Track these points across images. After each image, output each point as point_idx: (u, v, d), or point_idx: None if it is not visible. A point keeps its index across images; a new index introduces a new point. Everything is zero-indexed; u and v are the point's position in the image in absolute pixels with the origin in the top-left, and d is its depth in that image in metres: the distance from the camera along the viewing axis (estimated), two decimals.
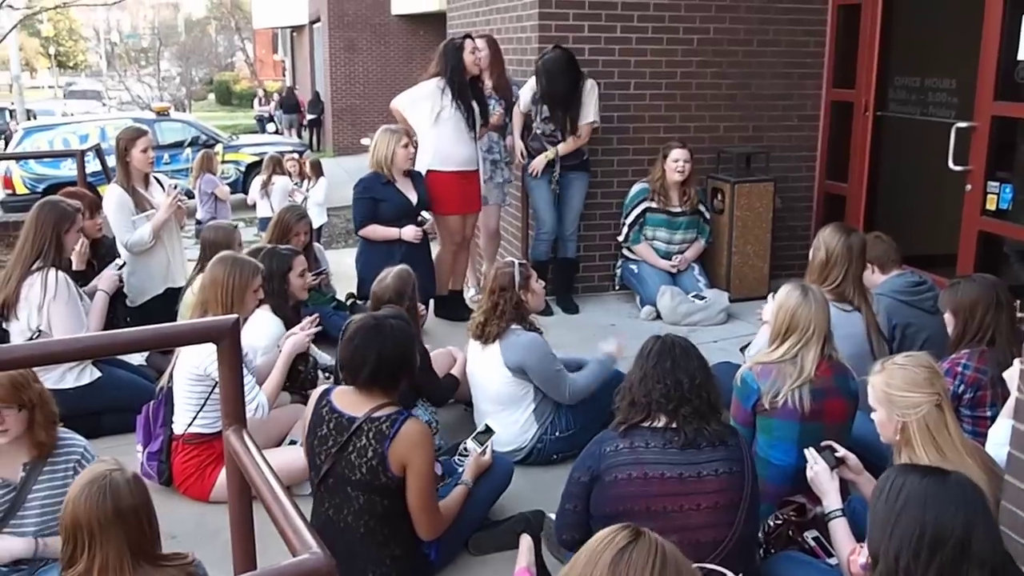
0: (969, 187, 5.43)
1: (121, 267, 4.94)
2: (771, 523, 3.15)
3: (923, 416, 2.69)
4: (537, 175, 6.17)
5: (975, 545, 1.95)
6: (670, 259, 6.29)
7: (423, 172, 5.85)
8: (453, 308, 6.15)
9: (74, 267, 4.76)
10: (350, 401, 3.14)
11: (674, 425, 2.76)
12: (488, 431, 3.64)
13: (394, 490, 3.06)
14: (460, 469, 3.54)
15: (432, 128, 5.78)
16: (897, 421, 2.73)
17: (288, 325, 4.36)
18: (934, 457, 2.66)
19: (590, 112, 6.06)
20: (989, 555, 1.97)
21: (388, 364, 3.09)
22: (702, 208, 6.37)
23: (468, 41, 5.85)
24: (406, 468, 3.03)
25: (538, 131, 6.16)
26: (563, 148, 6.09)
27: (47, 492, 2.91)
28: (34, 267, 4.26)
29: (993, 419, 3.30)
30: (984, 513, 2.01)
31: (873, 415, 2.84)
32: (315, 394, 3.27)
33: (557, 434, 4.13)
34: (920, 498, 2.02)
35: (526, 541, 3.17)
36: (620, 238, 6.40)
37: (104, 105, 35.55)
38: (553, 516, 3.17)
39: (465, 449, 3.65)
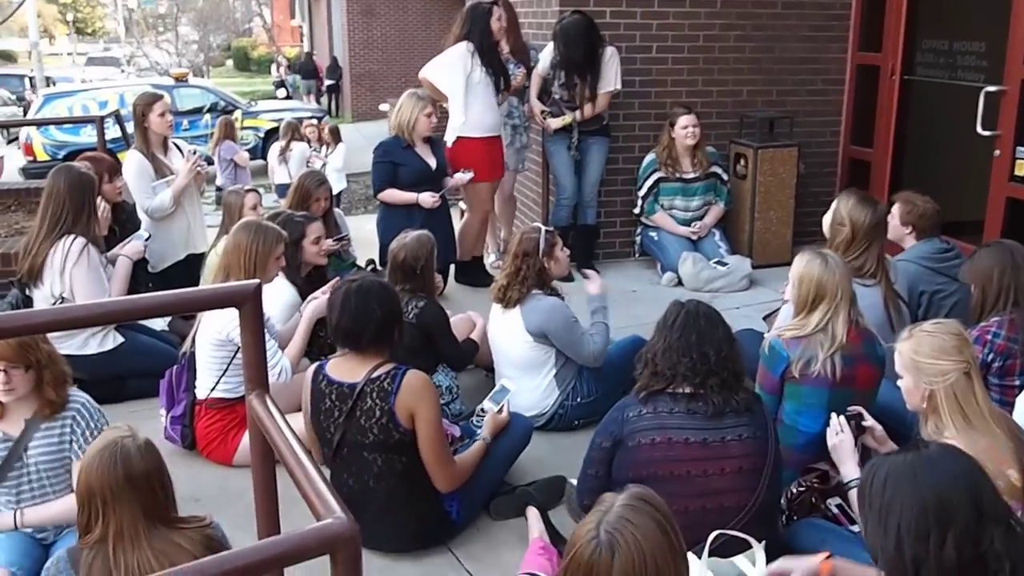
0: (998, 152, 5.35)
1: (148, 239, 4.94)
2: (794, 490, 3.14)
3: (951, 384, 2.65)
4: (550, 132, 6.12)
5: (987, 504, 1.87)
6: (689, 225, 6.25)
7: (452, 139, 5.81)
8: (473, 274, 6.13)
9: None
10: (346, 369, 3.17)
11: (701, 393, 2.75)
12: (504, 390, 3.68)
13: (409, 444, 3.09)
14: (479, 431, 3.55)
15: (464, 94, 5.73)
16: (925, 388, 2.69)
17: (301, 293, 4.36)
18: (960, 425, 2.63)
19: (610, 80, 5.99)
20: (1000, 510, 1.91)
21: (375, 323, 3.12)
22: (717, 170, 6.30)
23: (495, 8, 5.79)
24: (414, 419, 3.06)
25: (556, 96, 6.10)
26: (584, 113, 6.03)
27: (44, 446, 2.96)
28: (56, 232, 4.27)
29: (1022, 387, 3.26)
30: (981, 470, 1.94)
31: (900, 382, 2.81)
32: (309, 372, 3.29)
33: (579, 400, 4.13)
34: (909, 477, 1.92)
35: (533, 513, 3.25)
36: (636, 211, 6.35)
37: (123, 72, 35.55)
38: (574, 482, 3.17)
39: (482, 411, 3.66)
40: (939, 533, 1.86)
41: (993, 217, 5.42)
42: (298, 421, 3.57)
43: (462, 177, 5.73)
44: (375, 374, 3.10)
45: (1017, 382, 3.40)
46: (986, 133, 5.32)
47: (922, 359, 2.70)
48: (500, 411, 3.56)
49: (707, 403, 2.73)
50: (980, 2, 5.87)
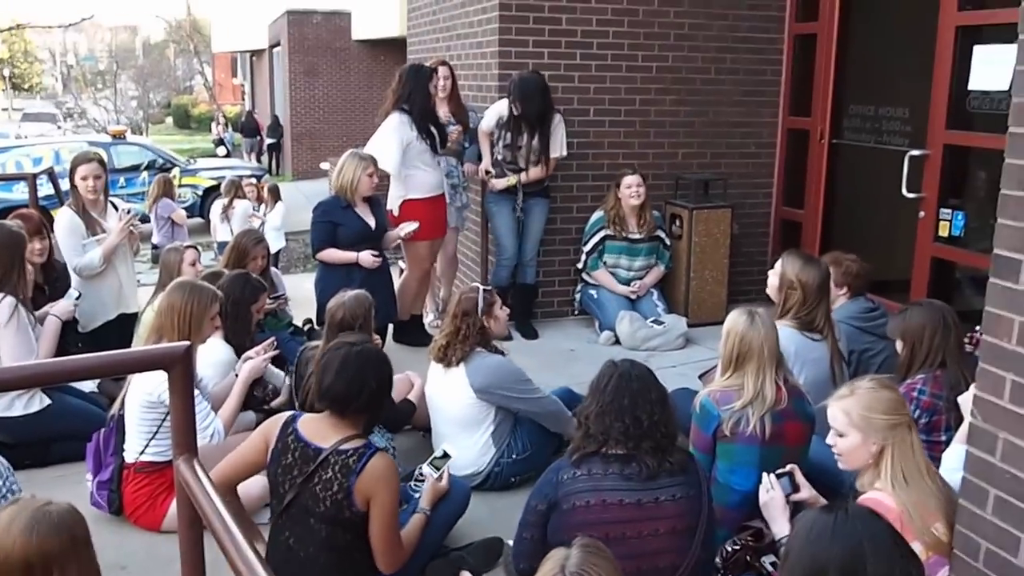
0: (922, 214, 5.52)
1: (78, 298, 4.86)
2: (729, 548, 3.14)
3: (899, 440, 2.71)
4: (493, 191, 6.17)
5: (870, 570, 1.93)
6: (630, 285, 6.32)
7: (396, 207, 5.84)
8: (412, 333, 6.11)
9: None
10: (317, 430, 3.08)
11: (634, 455, 2.75)
12: (445, 456, 3.59)
13: (357, 523, 3.01)
14: (416, 495, 3.50)
15: (402, 164, 5.77)
16: (876, 445, 2.73)
17: (241, 352, 4.31)
18: (898, 481, 2.67)
19: (557, 145, 6.10)
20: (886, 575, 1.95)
21: (367, 393, 3.05)
22: (661, 234, 6.41)
23: (438, 70, 5.87)
24: (370, 502, 2.99)
25: (498, 156, 6.17)
26: (529, 175, 6.10)
27: None
28: None
29: (947, 444, 3.33)
30: (872, 537, 1.99)
31: (836, 440, 2.84)
32: (280, 419, 3.20)
33: (514, 456, 4.12)
34: (803, 535, 2.02)
35: None
36: (579, 265, 6.41)
37: (59, 128, 35.13)
38: (511, 543, 3.14)
39: (421, 475, 3.60)
40: None
41: (919, 276, 5.57)
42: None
43: (407, 227, 5.73)
44: (344, 446, 3.01)
45: (943, 437, 3.48)
46: (911, 195, 5.49)
47: (875, 415, 2.74)
48: (440, 479, 3.49)
49: (640, 465, 2.74)
50: (903, 70, 6.10)
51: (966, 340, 3.94)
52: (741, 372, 3.30)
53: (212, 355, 4.25)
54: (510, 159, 6.12)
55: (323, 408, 3.10)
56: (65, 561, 2.10)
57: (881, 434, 2.73)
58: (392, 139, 5.75)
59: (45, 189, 7.26)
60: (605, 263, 6.34)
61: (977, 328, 3.79)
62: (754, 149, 7.02)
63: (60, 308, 4.66)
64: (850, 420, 2.78)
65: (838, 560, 1.94)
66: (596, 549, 1.95)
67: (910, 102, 5.81)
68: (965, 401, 2.92)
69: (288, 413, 3.24)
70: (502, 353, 4.22)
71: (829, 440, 2.88)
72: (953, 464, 2.85)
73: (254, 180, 11.57)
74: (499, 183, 6.13)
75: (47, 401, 4.37)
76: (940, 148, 5.39)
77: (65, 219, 5.20)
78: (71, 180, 5.26)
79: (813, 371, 3.73)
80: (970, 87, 5.12)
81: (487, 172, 6.21)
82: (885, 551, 1.97)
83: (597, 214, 6.34)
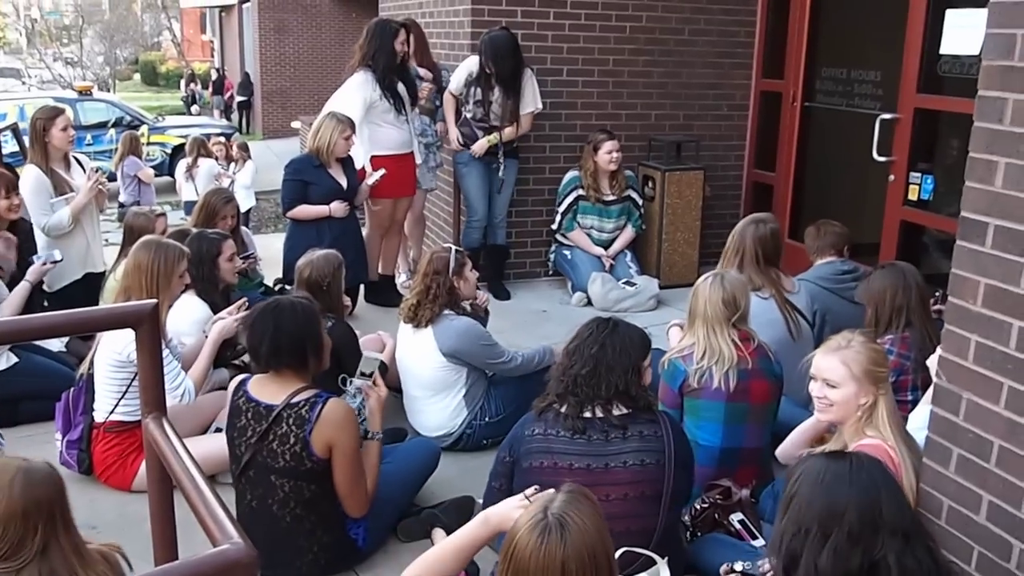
0: (892, 177, 5.55)
1: (57, 261, 4.79)
2: (697, 506, 3.19)
3: (887, 393, 2.80)
4: (476, 156, 6.10)
5: (886, 517, 1.96)
6: (604, 248, 6.33)
7: (360, 163, 5.78)
8: (384, 293, 6.10)
9: None
10: (266, 389, 3.10)
11: (585, 417, 2.75)
12: (371, 362, 3.48)
13: (320, 473, 3.04)
14: (350, 399, 3.33)
15: (366, 121, 5.72)
16: (867, 398, 2.78)
17: (215, 310, 4.28)
18: (895, 433, 2.74)
19: (530, 100, 6.05)
20: (900, 521, 1.99)
21: (287, 342, 3.05)
22: (633, 194, 6.40)
23: (402, 31, 5.80)
24: (332, 449, 3.01)
25: (468, 115, 6.10)
26: (504, 134, 6.04)
27: None
28: None
29: (913, 404, 3.39)
30: (887, 485, 2.03)
31: (827, 391, 2.84)
32: (232, 384, 3.22)
33: (487, 419, 4.13)
34: (812, 478, 2.02)
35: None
36: (554, 226, 6.40)
37: (24, 84, 34.44)
38: (482, 501, 3.17)
39: (350, 383, 3.38)
40: (820, 535, 1.96)
41: (888, 239, 5.62)
42: (199, 445, 3.50)
43: (375, 176, 5.68)
44: (295, 399, 3.03)
45: (909, 397, 3.54)
46: (881, 159, 5.53)
47: (877, 368, 2.80)
48: (374, 383, 3.39)
49: (589, 430, 2.73)
50: (876, 33, 6.10)
51: (932, 303, 3.99)
52: (693, 329, 3.42)
53: (191, 313, 4.23)
54: (481, 116, 6.05)
55: (259, 368, 3.11)
56: (58, 511, 2.14)
57: (876, 387, 2.78)
58: (355, 96, 5.71)
59: (9, 146, 7.12)
60: (579, 224, 6.33)
61: (938, 291, 3.86)
62: (727, 111, 7.02)
63: (33, 273, 4.61)
64: (850, 372, 2.79)
65: (856, 505, 1.96)
66: (581, 495, 1.96)
67: (882, 65, 5.82)
68: (933, 363, 2.97)
69: (239, 377, 3.25)
70: (472, 315, 4.22)
71: (815, 391, 2.89)
72: (918, 424, 2.91)
73: (223, 138, 11.42)
74: (479, 146, 6.05)
75: (14, 359, 4.34)
76: (911, 112, 5.41)
77: (31, 177, 5.09)
78: (39, 136, 5.13)
79: (771, 332, 3.78)
80: (942, 51, 5.13)
81: (457, 140, 6.15)
82: (897, 498, 2.02)
83: (571, 174, 6.33)
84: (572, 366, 2.79)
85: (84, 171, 5.36)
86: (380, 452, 3.31)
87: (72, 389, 3.93)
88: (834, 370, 2.84)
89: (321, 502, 3.08)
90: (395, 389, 4.50)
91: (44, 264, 4.75)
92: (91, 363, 3.82)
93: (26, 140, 6.00)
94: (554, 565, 1.85)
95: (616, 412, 2.75)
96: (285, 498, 3.05)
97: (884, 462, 2.31)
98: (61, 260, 4.86)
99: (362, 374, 3.45)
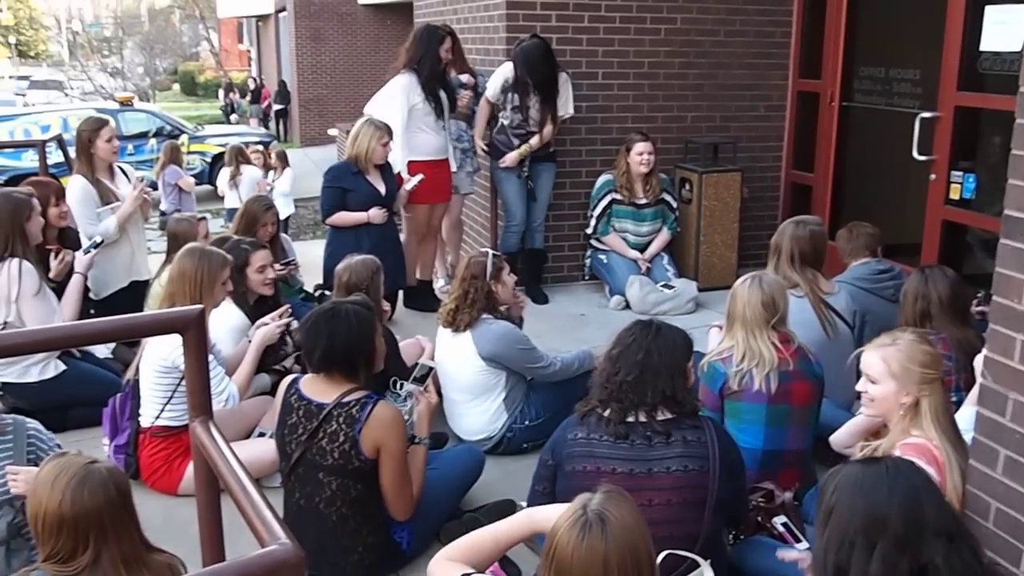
0: (933, 176, 5.48)
1: (99, 244, 4.87)
2: None
3: (935, 394, 2.76)
4: (502, 165, 6.15)
5: (930, 519, 1.92)
6: (640, 251, 6.31)
7: (398, 168, 5.82)
8: (422, 298, 6.13)
9: (52, 275, 4.68)
10: (318, 388, 3.14)
11: (629, 422, 2.73)
12: (424, 368, 3.53)
13: (367, 473, 3.07)
14: (398, 402, 3.43)
15: (406, 125, 5.77)
16: (909, 397, 2.76)
17: (249, 319, 4.32)
18: (941, 433, 2.71)
19: (561, 106, 6.07)
20: (943, 523, 1.95)
21: (340, 348, 3.09)
22: (667, 197, 6.38)
23: (448, 39, 5.84)
24: (380, 450, 3.05)
25: (504, 122, 6.13)
26: (535, 142, 6.07)
27: None
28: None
29: (957, 405, 3.35)
30: (927, 487, 1.99)
31: (868, 387, 2.85)
32: (284, 383, 3.27)
33: (527, 423, 4.14)
34: (851, 487, 1.97)
35: None
36: (588, 230, 6.40)
37: (66, 95, 35.01)
38: (524, 505, 3.17)
39: (401, 386, 3.50)
40: (866, 545, 1.91)
41: (930, 239, 5.55)
42: (244, 448, 3.55)
43: (413, 180, 5.71)
44: (346, 399, 3.08)
45: (953, 398, 3.48)
46: (922, 158, 5.46)
47: (915, 367, 2.77)
48: (426, 389, 3.45)
49: (632, 435, 2.71)
50: (914, 31, 6.04)
51: (975, 303, 3.95)
52: (732, 332, 3.40)
53: (227, 321, 4.27)
54: (519, 122, 6.08)
55: (313, 370, 3.16)
56: (109, 519, 2.14)
57: (917, 386, 2.76)
58: (399, 97, 5.75)
59: (54, 157, 7.25)
60: (614, 227, 6.33)
61: (980, 292, 3.82)
62: (763, 112, 6.97)
63: (81, 263, 4.70)
64: (888, 369, 2.80)
65: (899, 510, 1.91)
66: (619, 495, 1.96)
67: (921, 64, 5.75)
68: (978, 363, 2.94)
69: (292, 376, 3.30)
70: (511, 320, 4.23)
71: (860, 387, 2.91)
72: (964, 425, 2.87)
73: (261, 147, 11.54)
74: (511, 158, 6.09)
75: (62, 367, 4.42)
76: (951, 110, 5.35)
77: (78, 187, 5.18)
78: (84, 147, 5.22)
79: (808, 331, 3.75)
80: (981, 48, 5.06)
81: (482, 151, 6.23)
82: (936, 499, 1.98)
83: (604, 177, 6.32)
84: (616, 372, 2.77)
85: (129, 180, 5.45)
86: (426, 457, 3.34)
87: (119, 395, 4.00)
88: (874, 366, 2.84)
89: (367, 502, 3.12)
90: (436, 392, 4.53)
91: (87, 252, 4.82)
92: (137, 369, 3.88)
93: (71, 151, 6.12)
94: (596, 560, 1.85)
95: (660, 417, 2.73)
96: (332, 496, 3.09)
97: (927, 462, 2.29)
98: (103, 242, 4.93)
99: (415, 379, 3.50)
